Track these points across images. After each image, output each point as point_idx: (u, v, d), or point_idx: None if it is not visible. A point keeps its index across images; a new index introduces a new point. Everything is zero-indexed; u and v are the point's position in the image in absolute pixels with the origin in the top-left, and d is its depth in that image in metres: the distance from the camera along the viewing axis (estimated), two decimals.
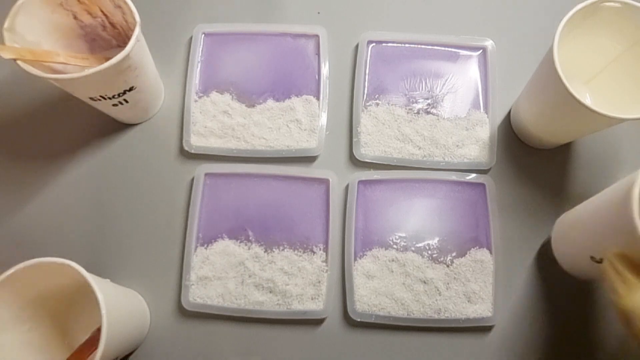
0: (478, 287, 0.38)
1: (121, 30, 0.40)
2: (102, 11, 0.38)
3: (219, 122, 0.42)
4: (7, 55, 0.32)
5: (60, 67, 0.38)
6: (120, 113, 0.41)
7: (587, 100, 0.38)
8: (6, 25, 0.34)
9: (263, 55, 0.45)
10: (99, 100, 0.37)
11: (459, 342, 0.38)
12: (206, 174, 0.41)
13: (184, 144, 0.42)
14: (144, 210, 0.41)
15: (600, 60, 0.39)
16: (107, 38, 0.41)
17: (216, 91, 0.43)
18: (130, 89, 0.37)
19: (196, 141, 0.42)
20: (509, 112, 0.43)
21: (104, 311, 0.29)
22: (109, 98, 0.37)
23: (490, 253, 0.39)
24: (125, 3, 0.35)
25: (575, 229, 0.36)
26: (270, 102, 0.43)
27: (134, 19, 0.35)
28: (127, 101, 0.38)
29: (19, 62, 0.33)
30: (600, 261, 0.31)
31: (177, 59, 0.45)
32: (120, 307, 0.33)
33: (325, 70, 0.44)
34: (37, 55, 0.34)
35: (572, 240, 0.36)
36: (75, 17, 0.38)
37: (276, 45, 0.45)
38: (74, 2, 0.37)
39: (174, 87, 0.44)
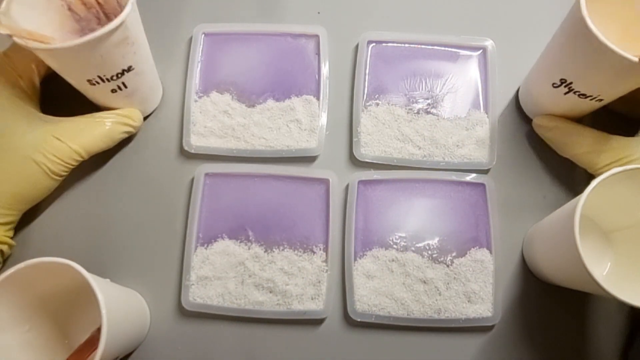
0: (478, 287, 0.38)
1: None
2: (97, 0, 0.37)
3: (219, 122, 0.42)
4: (3, 31, 0.31)
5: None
6: (118, 102, 0.40)
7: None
8: (1, 9, 0.33)
9: (263, 55, 0.45)
10: (97, 84, 0.35)
11: (458, 342, 0.38)
12: (206, 174, 0.41)
13: (184, 144, 0.42)
14: (144, 210, 0.41)
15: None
16: None
17: (216, 91, 0.43)
18: (129, 69, 0.36)
19: (196, 141, 0.42)
20: (509, 110, 0.43)
21: (104, 311, 0.29)
22: (107, 80, 0.35)
23: (490, 253, 0.39)
24: None
25: (537, 240, 0.38)
26: (270, 102, 0.43)
27: None
28: (125, 86, 0.37)
29: (16, 40, 0.32)
30: None
31: (177, 58, 0.45)
32: (120, 307, 0.33)
33: (325, 70, 0.44)
34: (33, 35, 0.33)
35: (534, 250, 0.38)
36: (70, 9, 0.37)
37: (276, 45, 0.45)
38: None
39: (174, 87, 0.44)
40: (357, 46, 0.45)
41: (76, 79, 0.36)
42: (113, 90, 0.37)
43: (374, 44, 0.45)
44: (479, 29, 0.45)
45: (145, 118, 0.43)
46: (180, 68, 0.45)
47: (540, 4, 0.46)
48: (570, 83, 0.35)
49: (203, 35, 0.45)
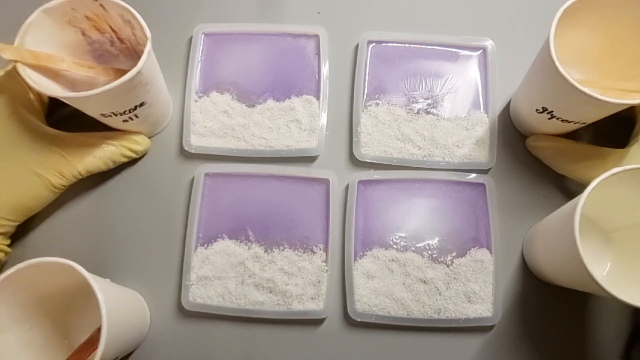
0: (478, 287, 0.38)
1: (129, 45, 0.39)
2: (110, 27, 0.37)
3: (219, 122, 0.42)
4: (7, 56, 0.32)
5: (68, 75, 0.38)
6: (130, 128, 0.40)
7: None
8: (16, 44, 0.33)
9: (263, 55, 0.45)
10: (110, 116, 0.36)
11: (458, 342, 0.38)
12: (206, 174, 0.41)
13: (184, 144, 0.42)
14: (144, 210, 0.41)
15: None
16: (115, 53, 0.41)
17: (216, 91, 0.43)
18: (141, 104, 0.37)
19: (196, 141, 0.42)
20: (508, 110, 0.43)
21: (104, 311, 0.29)
22: (120, 114, 0.36)
23: (490, 253, 0.39)
24: (135, 18, 0.35)
25: (537, 239, 0.38)
26: (270, 102, 0.43)
27: (145, 34, 0.34)
28: (137, 116, 0.38)
29: (20, 68, 0.32)
30: None
31: (177, 59, 0.45)
32: (120, 307, 0.33)
33: (325, 70, 0.44)
34: (39, 59, 0.34)
35: (535, 249, 0.38)
36: (83, 34, 0.38)
37: (276, 45, 0.45)
38: (82, 19, 0.36)
39: (174, 87, 0.44)
40: (357, 46, 0.45)
41: (89, 112, 0.37)
42: (125, 121, 0.38)
43: (374, 43, 0.45)
44: (479, 28, 0.45)
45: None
46: (180, 68, 0.45)
47: (540, 4, 0.46)
48: (552, 111, 0.36)
49: (203, 35, 0.45)
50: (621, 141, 0.39)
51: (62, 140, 0.37)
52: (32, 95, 0.38)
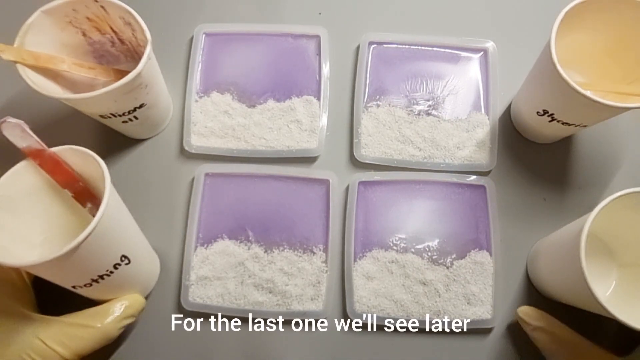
0: (477, 289, 0.38)
1: (130, 47, 0.39)
2: (111, 28, 0.38)
3: (220, 122, 0.42)
4: (7, 57, 0.32)
5: (68, 76, 0.38)
6: (129, 129, 0.41)
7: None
8: (16, 44, 0.33)
9: (264, 55, 0.45)
10: (109, 117, 0.37)
11: (457, 345, 0.38)
12: (206, 174, 0.41)
13: (184, 144, 0.42)
14: (144, 210, 0.41)
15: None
16: (116, 54, 0.41)
17: (217, 91, 0.43)
18: (141, 106, 0.37)
19: (196, 141, 0.42)
20: (509, 112, 0.43)
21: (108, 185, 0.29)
22: (119, 115, 0.37)
23: (490, 255, 0.39)
24: (136, 20, 0.35)
25: (541, 256, 0.38)
26: (271, 103, 0.43)
27: (145, 36, 0.34)
28: (136, 118, 0.38)
29: (20, 69, 0.32)
30: None
31: (178, 59, 0.45)
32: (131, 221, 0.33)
33: (326, 70, 0.44)
34: (40, 60, 0.34)
35: (539, 265, 0.38)
36: (84, 34, 0.38)
37: (277, 46, 0.45)
38: (83, 20, 0.37)
39: (174, 87, 0.44)
40: (358, 47, 0.45)
41: (89, 113, 0.37)
42: (124, 122, 0.38)
43: (375, 45, 0.44)
44: (480, 30, 0.45)
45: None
46: (181, 68, 0.45)
47: (541, 5, 0.46)
48: (552, 114, 0.37)
49: (204, 35, 0.45)
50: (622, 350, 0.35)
51: (45, 325, 0.33)
52: (15, 276, 0.34)
